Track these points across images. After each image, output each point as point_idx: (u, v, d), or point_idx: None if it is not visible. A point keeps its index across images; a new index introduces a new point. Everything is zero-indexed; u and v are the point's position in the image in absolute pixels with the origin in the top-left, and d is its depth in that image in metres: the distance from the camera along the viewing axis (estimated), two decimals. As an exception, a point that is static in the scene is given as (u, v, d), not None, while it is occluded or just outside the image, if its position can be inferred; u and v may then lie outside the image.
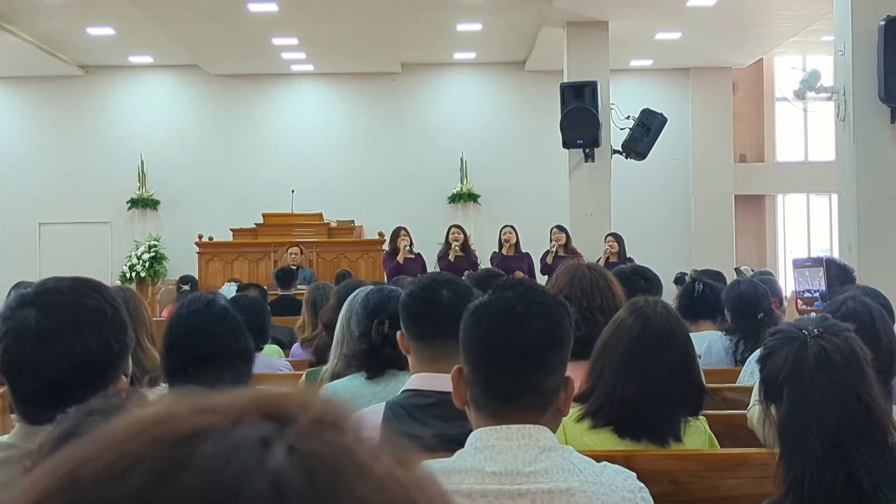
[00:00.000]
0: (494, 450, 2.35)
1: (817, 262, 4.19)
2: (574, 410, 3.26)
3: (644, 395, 3.28)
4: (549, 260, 13.72)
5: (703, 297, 6.46)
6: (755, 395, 3.97)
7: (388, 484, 0.62)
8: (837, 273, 5.48)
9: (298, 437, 0.62)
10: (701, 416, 3.56)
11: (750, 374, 5.15)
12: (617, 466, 2.45)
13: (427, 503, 0.64)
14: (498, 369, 2.40)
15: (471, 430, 2.46)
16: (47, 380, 2.23)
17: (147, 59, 19.81)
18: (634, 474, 2.44)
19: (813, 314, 3.96)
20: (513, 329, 2.40)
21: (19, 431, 2.30)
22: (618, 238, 13.93)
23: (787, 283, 14.92)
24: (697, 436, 3.43)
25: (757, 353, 5.15)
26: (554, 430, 2.43)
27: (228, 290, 10.00)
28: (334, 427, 0.64)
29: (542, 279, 13.51)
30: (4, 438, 2.36)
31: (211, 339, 3.37)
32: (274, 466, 0.60)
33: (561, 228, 14.19)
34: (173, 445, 0.61)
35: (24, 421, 2.31)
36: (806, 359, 2.56)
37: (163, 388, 4.17)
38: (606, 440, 3.29)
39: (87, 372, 2.24)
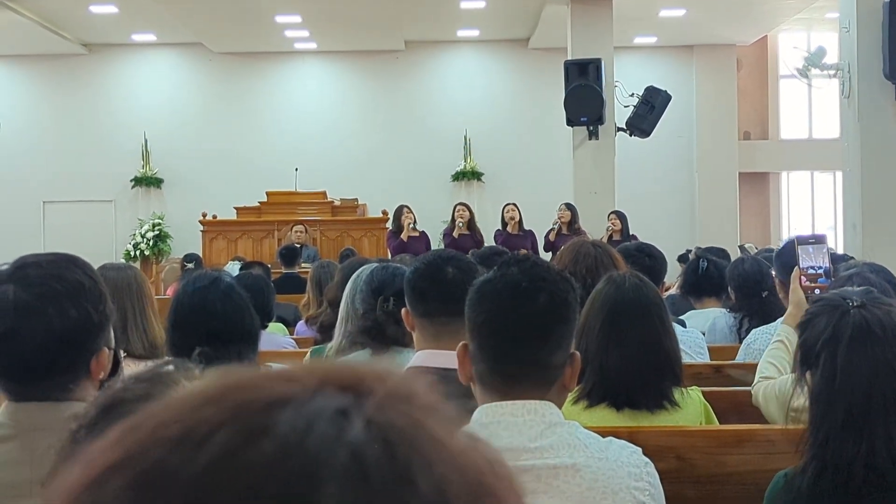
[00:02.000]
0: (500, 425, 2.35)
1: (820, 238, 4.17)
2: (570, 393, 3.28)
3: (627, 365, 3.30)
4: (551, 237, 13.72)
5: (708, 274, 6.46)
6: (760, 372, 3.98)
7: (462, 460, 0.63)
8: None
9: (376, 409, 0.62)
10: (695, 387, 3.57)
11: (750, 354, 5.15)
12: (622, 442, 2.45)
13: (498, 481, 0.64)
14: (503, 345, 2.40)
15: (476, 407, 2.46)
16: (28, 353, 2.22)
17: (150, 38, 19.79)
18: (640, 450, 2.45)
19: (817, 291, 3.95)
20: (518, 305, 2.39)
21: (6, 410, 2.29)
22: (620, 216, 13.92)
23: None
24: (693, 406, 3.44)
25: (754, 333, 5.18)
26: (560, 406, 2.44)
27: (232, 269, 10.01)
28: (409, 400, 0.64)
29: (545, 256, 13.53)
30: None
31: (216, 316, 3.37)
32: (353, 438, 0.60)
33: (569, 206, 14.16)
34: (254, 412, 0.61)
35: (8, 398, 2.30)
36: (846, 328, 2.56)
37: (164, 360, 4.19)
38: (605, 416, 3.31)
39: (68, 343, 2.24)
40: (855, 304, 2.61)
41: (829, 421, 2.51)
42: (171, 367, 1.44)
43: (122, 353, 2.49)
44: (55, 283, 2.26)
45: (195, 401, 0.64)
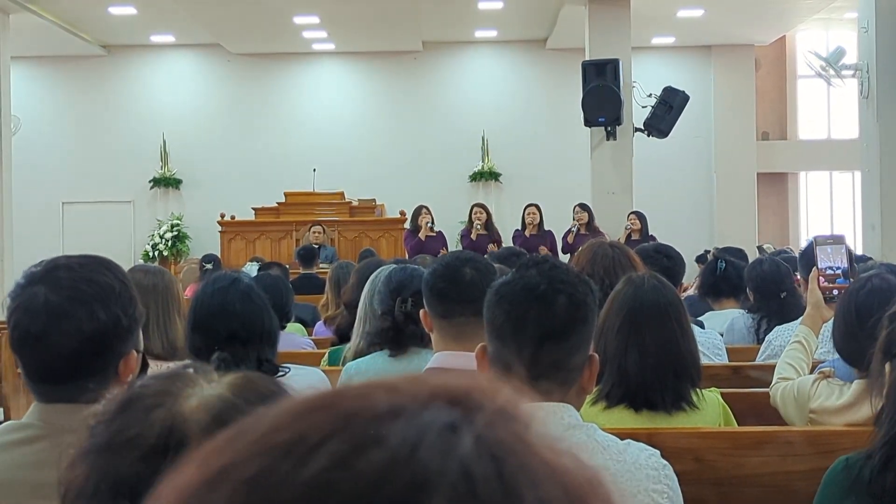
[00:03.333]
0: (518, 427, 2.35)
1: (838, 239, 4.18)
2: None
3: (645, 366, 3.30)
4: (570, 239, 13.73)
5: (726, 275, 6.45)
6: (778, 373, 3.97)
7: (566, 479, 0.63)
8: None
9: (486, 426, 0.63)
10: (714, 389, 3.57)
11: (772, 350, 5.15)
12: (641, 444, 2.45)
13: (599, 501, 0.65)
14: (522, 347, 2.40)
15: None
16: (57, 355, 2.24)
17: (169, 39, 19.84)
18: (658, 452, 2.45)
19: (835, 291, 3.94)
20: (537, 307, 2.39)
21: (35, 411, 2.31)
22: (640, 216, 13.90)
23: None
24: (712, 408, 3.44)
25: (776, 330, 5.18)
26: (578, 408, 2.44)
27: (250, 270, 10.02)
28: (515, 418, 0.65)
29: (563, 258, 13.54)
30: (21, 419, 2.38)
31: (236, 317, 3.39)
32: (463, 453, 0.60)
33: (584, 207, 14.19)
34: (365, 422, 0.62)
35: (38, 400, 2.32)
36: None
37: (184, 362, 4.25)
38: (623, 418, 3.31)
39: (97, 346, 2.25)
40: None
41: None
42: (190, 369, 1.46)
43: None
44: (85, 286, 2.28)
45: (306, 407, 0.65)
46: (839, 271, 4.01)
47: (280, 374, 3.47)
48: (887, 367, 2.61)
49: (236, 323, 3.38)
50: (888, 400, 2.57)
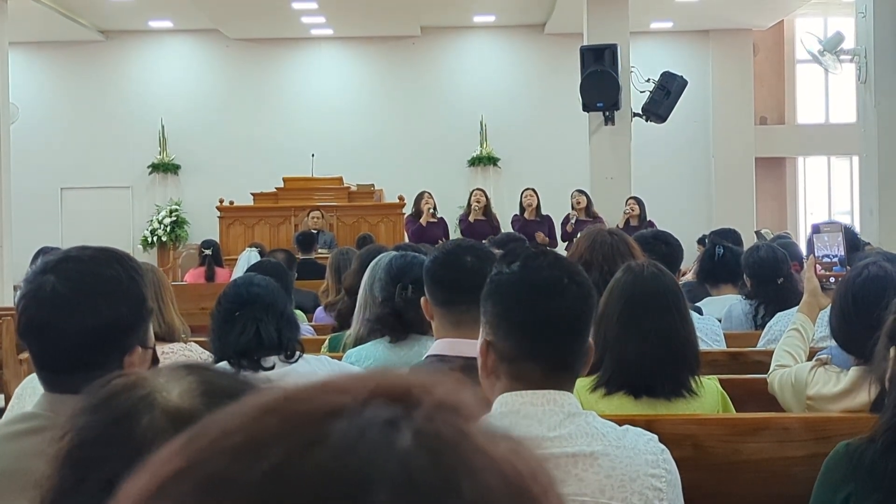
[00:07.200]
0: (520, 415, 2.37)
1: (835, 226, 4.19)
2: (587, 380, 3.31)
3: (644, 353, 3.32)
4: (569, 228, 13.72)
5: (724, 260, 6.47)
6: (776, 360, 4.00)
7: (505, 468, 0.66)
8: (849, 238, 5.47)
9: (424, 420, 0.66)
10: (712, 376, 3.60)
11: (768, 341, 5.17)
12: (639, 430, 2.48)
13: (539, 488, 0.67)
14: (522, 338, 2.42)
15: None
16: (60, 346, 2.26)
17: (167, 24, 19.81)
18: (656, 437, 2.47)
19: (832, 279, 3.97)
20: (538, 300, 2.42)
21: (43, 401, 2.32)
22: (639, 201, 13.93)
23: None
24: (711, 395, 3.47)
25: (777, 316, 5.20)
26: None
27: (249, 256, 10.04)
28: (455, 411, 0.68)
29: (562, 245, 13.56)
30: (29, 409, 2.41)
31: (260, 286, 3.66)
32: (402, 448, 0.64)
33: (581, 192, 14.20)
34: (309, 423, 0.65)
35: (46, 389, 2.34)
36: None
37: (179, 344, 4.35)
38: (623, 405, 3.34)
39: (99, 340, 2.26)
40: None
41: None
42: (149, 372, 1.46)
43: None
44: (92, 280, 2.28)
45: (256, 411, 0.68)
46: (836, 259, 4.03)
47: (294, 359, 3.58)
48: (892, 352, 2.63)
49: (259, 288, 3.59)
50: (892, 384, 2.60)
